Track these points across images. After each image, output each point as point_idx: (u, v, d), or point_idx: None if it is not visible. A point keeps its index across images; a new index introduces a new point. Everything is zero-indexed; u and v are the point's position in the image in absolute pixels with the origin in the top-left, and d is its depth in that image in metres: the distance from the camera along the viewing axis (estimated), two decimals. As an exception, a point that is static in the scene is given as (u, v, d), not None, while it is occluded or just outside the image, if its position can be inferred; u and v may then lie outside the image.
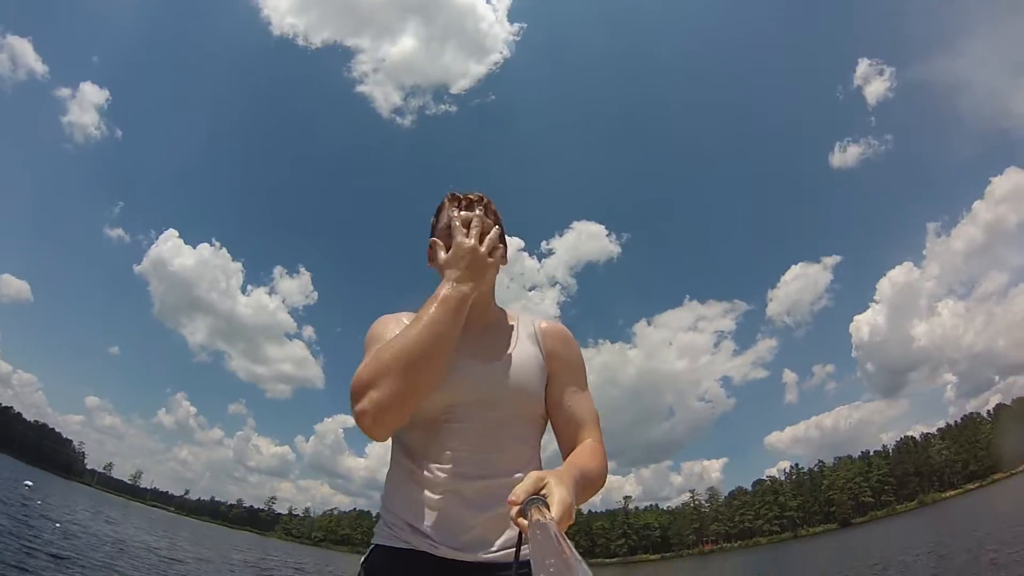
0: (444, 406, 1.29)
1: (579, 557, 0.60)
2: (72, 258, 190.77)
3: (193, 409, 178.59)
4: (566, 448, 1.33)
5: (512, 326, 1.45)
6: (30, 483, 34.23)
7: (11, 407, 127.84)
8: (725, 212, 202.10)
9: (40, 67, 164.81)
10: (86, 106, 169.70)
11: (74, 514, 25.35)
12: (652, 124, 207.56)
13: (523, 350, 1.38)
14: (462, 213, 1.41)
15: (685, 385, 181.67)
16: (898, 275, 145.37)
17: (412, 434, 1.33)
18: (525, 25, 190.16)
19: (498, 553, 1.22)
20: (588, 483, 1.15)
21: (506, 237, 1.49)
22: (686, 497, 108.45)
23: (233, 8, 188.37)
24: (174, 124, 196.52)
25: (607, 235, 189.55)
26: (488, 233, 1.35)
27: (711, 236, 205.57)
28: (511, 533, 1.22)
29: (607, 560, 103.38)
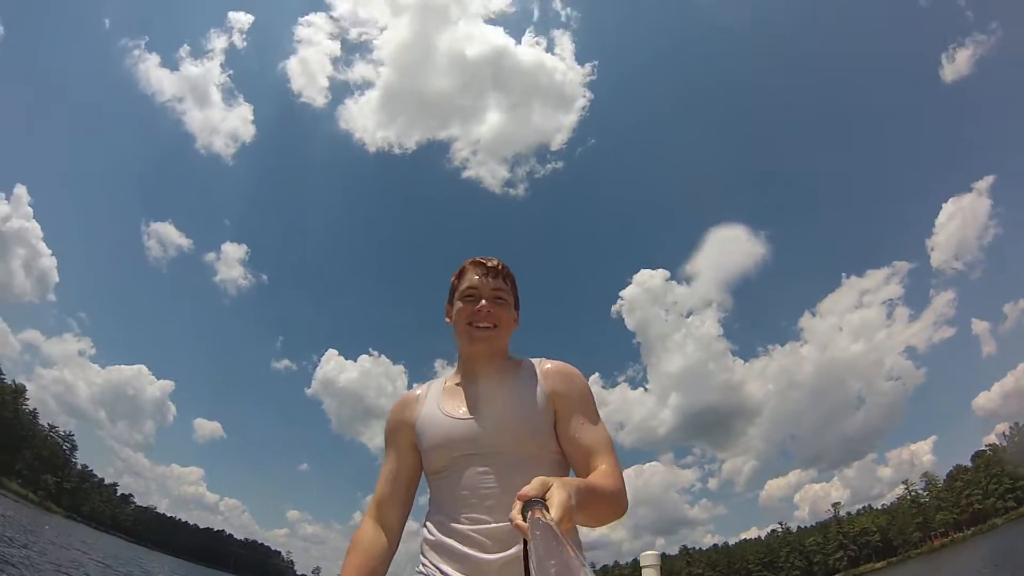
0: (446, 461, 1.42)
1: (582, 559, 0.59)
2: (251, 393, 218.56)
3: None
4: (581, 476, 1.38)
5: (516, 373, 1.52)
6: None
7: (223, 530, 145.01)
8: (855, 173, 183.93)
9: (185, 241, 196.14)
10: (231, 263, 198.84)
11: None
12: (751, 106, 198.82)
13: (522, 394, 1.45)
14: (487, 279, 1.54)
15: (868, 368, 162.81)
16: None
17: (431, 483, 1.49)
18: (596, 62, 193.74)
19: None
20: (598, 497, 1.18)
21: (519, 300, 1.63)
22: (900, 490, 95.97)
23: (328, 142, 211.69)
24: (308, 256, 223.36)
25: (747, 238, 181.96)
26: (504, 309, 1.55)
27: (849, 203, 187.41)
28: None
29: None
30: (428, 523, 1.44)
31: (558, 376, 1.49)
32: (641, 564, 2.21)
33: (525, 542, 0.87)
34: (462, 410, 1.46)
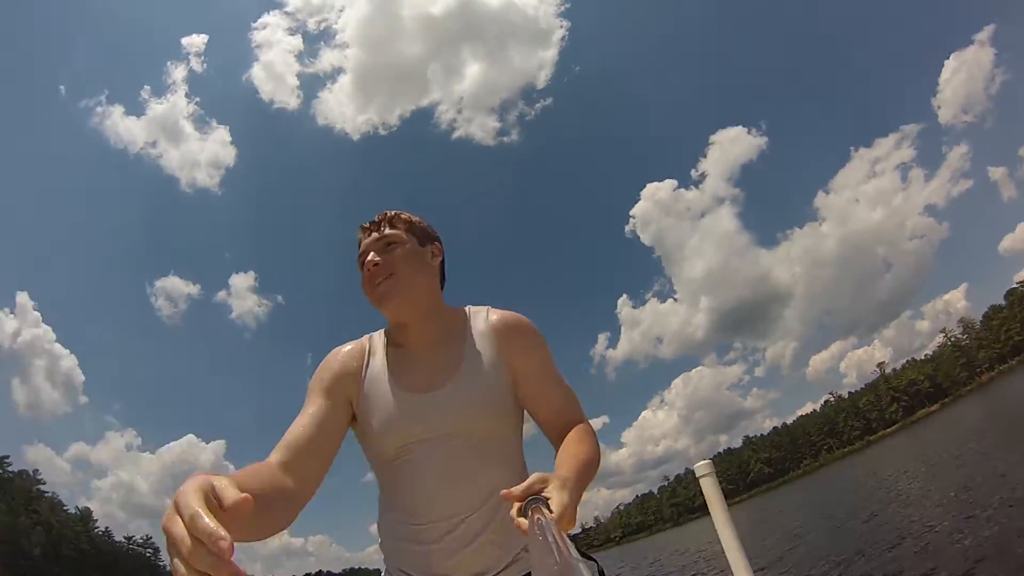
0: (398, 447, 1.21)
1: (581, 558, 0.56)
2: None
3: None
4: (554, 438, 1.24)
5: (461, 332, 1.31)
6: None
7: (320, 570, 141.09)
8: (847, 46, 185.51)
9: (193, 288, 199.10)
10: (242, 294, 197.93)
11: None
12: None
13: (475, 361, 1.25)
14: (366, 241, 1.33)
15: (890, 233, 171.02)
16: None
17: (379, 473, 1.28)
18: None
19: None
20: (589, 475, 1.09)
21: (435, 237, 1.41)
22: (940, 339, 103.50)
23: (311, 141, 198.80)
24: (316, 264, 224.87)
25: (747, 132, 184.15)
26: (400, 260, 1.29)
27: (843, 77, 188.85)
28: (492, 562, 1.17)
29: (887, 429, 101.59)
30: (383, 526, 1.27)
31: (511, 332, 1.30)
32: (697, 475, 2.19)
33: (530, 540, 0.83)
34: (415, 384, 1.24)
